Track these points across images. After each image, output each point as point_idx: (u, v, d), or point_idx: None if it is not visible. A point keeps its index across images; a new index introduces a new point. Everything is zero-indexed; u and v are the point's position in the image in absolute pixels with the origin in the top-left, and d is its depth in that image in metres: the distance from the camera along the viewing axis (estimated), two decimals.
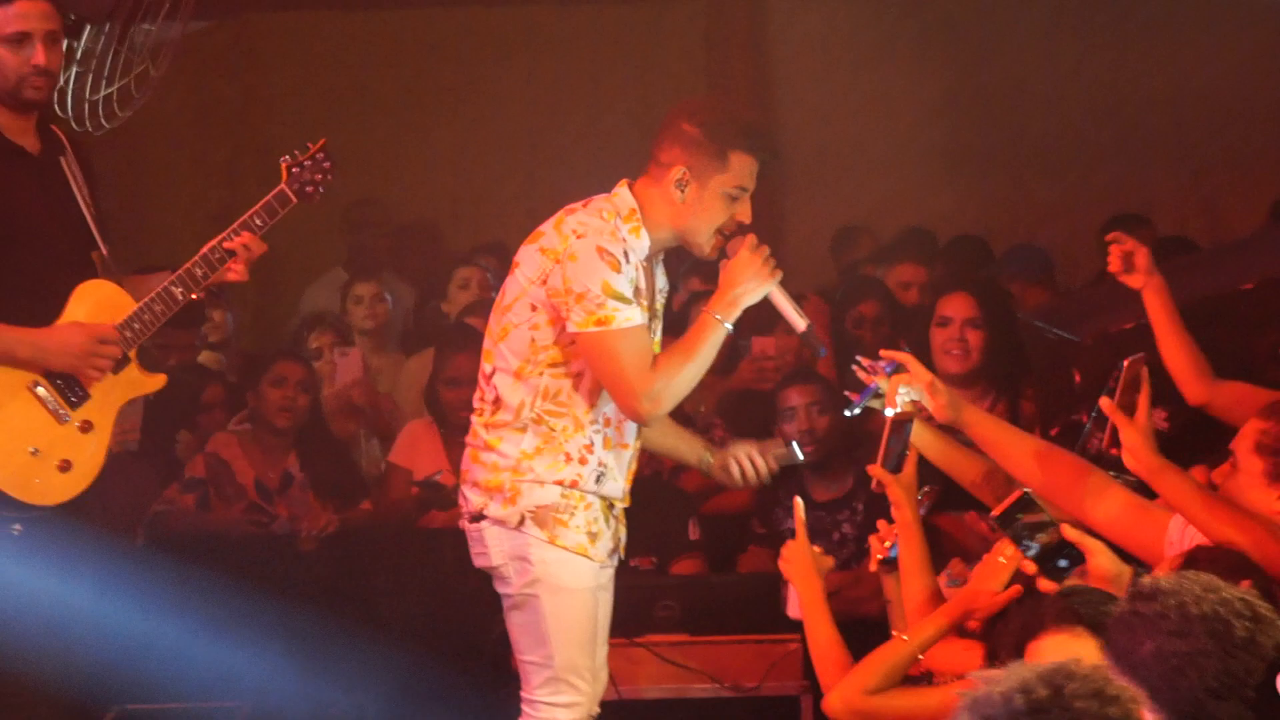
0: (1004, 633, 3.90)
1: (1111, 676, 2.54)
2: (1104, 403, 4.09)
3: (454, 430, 7.10)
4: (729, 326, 4.70)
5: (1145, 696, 2.73)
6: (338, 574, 6.72)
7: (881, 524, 4.79)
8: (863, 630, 5.70)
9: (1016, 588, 4.22)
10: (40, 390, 4.99)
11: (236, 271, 5.14)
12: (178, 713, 5.99)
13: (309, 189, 5.24)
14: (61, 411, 5.01)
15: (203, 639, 6.35)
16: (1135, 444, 4.09)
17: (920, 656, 4.31)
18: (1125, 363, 4.18)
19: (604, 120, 9.69)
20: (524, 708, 4.78)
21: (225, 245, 5.10)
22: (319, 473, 7.03)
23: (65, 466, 5.01)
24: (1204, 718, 2.83)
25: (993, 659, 4.18)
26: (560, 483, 4.69)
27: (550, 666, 4.71)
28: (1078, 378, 5.39)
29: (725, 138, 4.69)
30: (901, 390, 4.60)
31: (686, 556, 6.52)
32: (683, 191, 4.69)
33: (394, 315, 8.49)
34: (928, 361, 5.07)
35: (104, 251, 5.17)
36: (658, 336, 4.84)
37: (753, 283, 4.69)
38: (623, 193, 4.76)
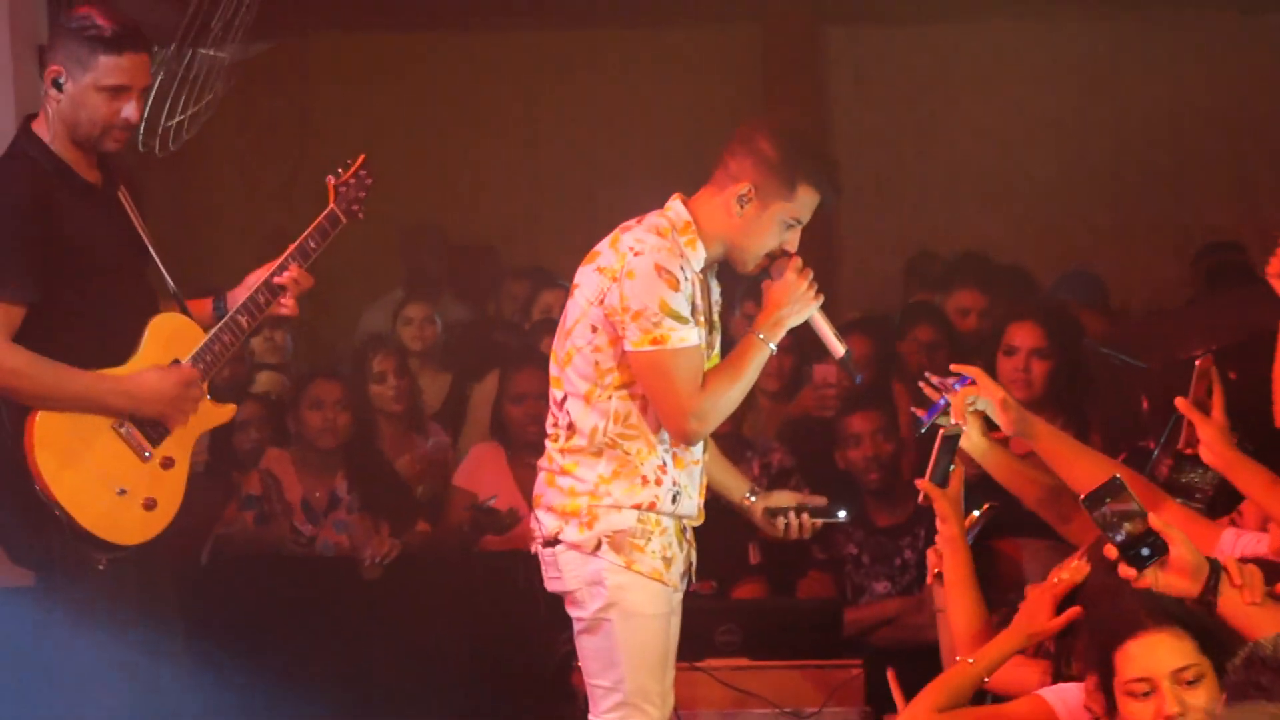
0: (1086, 639, 3.90)
1: None
2: (1180, 401, 4.16)
3: (520, 450, 7.13)
4: (773, 347, 4.73)
5: None
6: (399, 597, 6.72)
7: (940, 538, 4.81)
8: (926, 657, 5.71)
9: (1076, 608, 4.22)
10: (124, 430, 4.99)
11: (287, 306, 5.17)
12: None
13: (354, 207, 5.27)
14: (144, 450, 5.02)
15: (263, 657, 6.40)
16: (1212, 438, 4.18)
17: (987, 679, 4.30)
18: (1197, 362, 4.25)
19: (660, 143, 9.70)
20: None
21: (275, 281, 5.11)
22: (369, 494, 7.03)
23: (150, 505, 5.02)
24: None
25: (1064, 669, 4.19)
26: (638, 506, 4.68)
27: (620, 691, 4.70)
28: (1145, 404, 5.37)
29: (799, 168, 4.69)
30: (970, 401, 4.63)
31: (747, 580, 6.52)
32: (742, 208, 4.70)
33: (443, 337, 8.52)
34: None
35: (171, 283, 5.18)
36: (716, 349, 4.84)
37: (797, 305, 4.72)
38: (676, 206, 4.76)
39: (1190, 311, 6.70)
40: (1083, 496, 3.78)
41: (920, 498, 4.72)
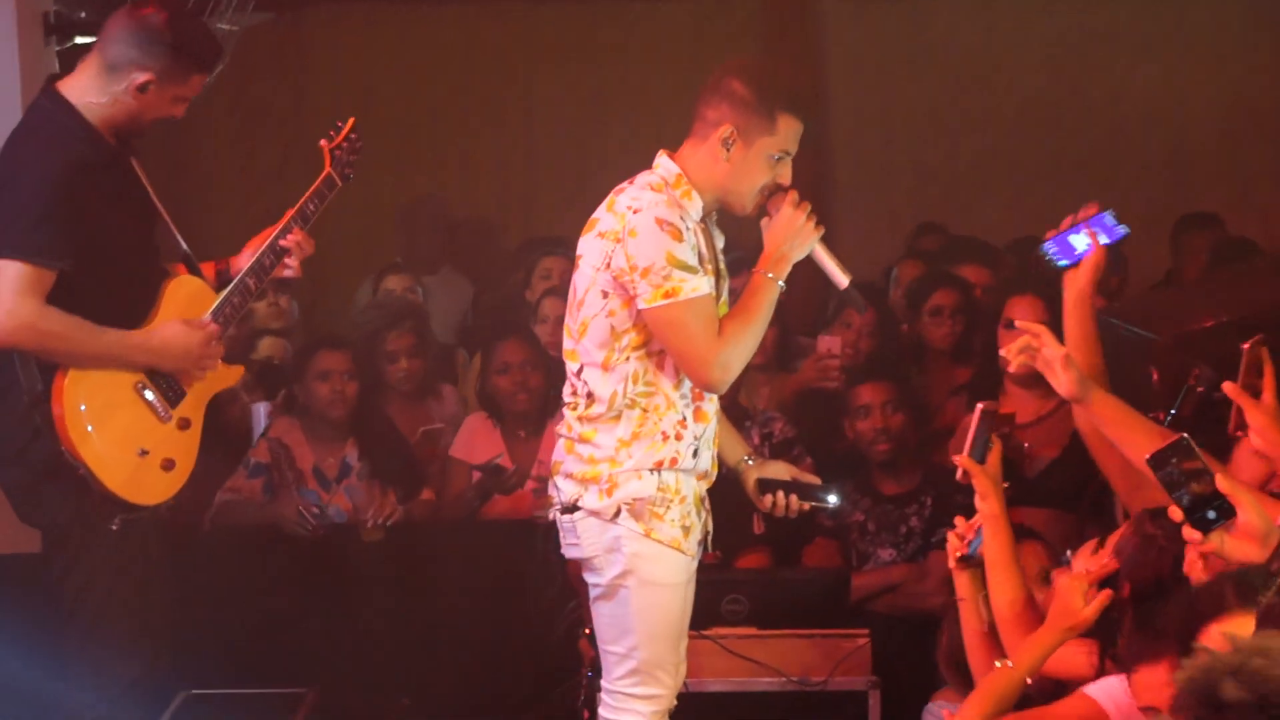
0: (1166, 619, 3.85)
1: None
2: (1228, 386, 4.08)
3: (510, 421, 7.14)
4: (782, 284, 4.74)
5: None
6: (401, 565, 6.73)
7: (960, 520, 4.78)
8: (926, 624, 5.74)
9: (1108, 591, 4.22)
10: (145, 391, 5.06)
11: (292, 268, 5.29)
12: (244, 698, 5.99)
13: (348, 170, 5.39)
14: (164, 411, 5.09)
15: (269, 625, 6.41)
16: (1262, 424, 4.09)
17: (1029, 680, 4.28)
18: (1245, 345, 4.17)
19: (655, 121, 9.69)
20: (604, 697, 4.78)
21: (280, 244, 5.22)
22: (379, 462, 7.03)
23: (168, 465, 5.09)
24: None
25: (1110, 647, 4.17)
26: (659, 465, 4.68)
27: (634, 658, 4.71)
28: (1155, 376, 5.38)
29: (775, 100, 4.70)
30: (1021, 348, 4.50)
31: (751, 551, 6.53)
32: (728, 150, 4.70)
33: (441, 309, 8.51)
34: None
35: (184, 245, 5.25)
36: (725, 297, 4.84)
37: (797, 239, 4.72)
38: (664, 161, 4.77)
39: (1198, 284, 6.73)
40: (1148, 455, 3.71)
41: (959, 474, 4.70)
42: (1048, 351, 4.49)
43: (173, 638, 5.32)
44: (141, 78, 5.01)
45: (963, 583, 4.80)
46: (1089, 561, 4.39)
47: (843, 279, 4.81)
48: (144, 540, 5.14)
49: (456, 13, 10.23)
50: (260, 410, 6.77)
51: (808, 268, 4.80)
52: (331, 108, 9.88)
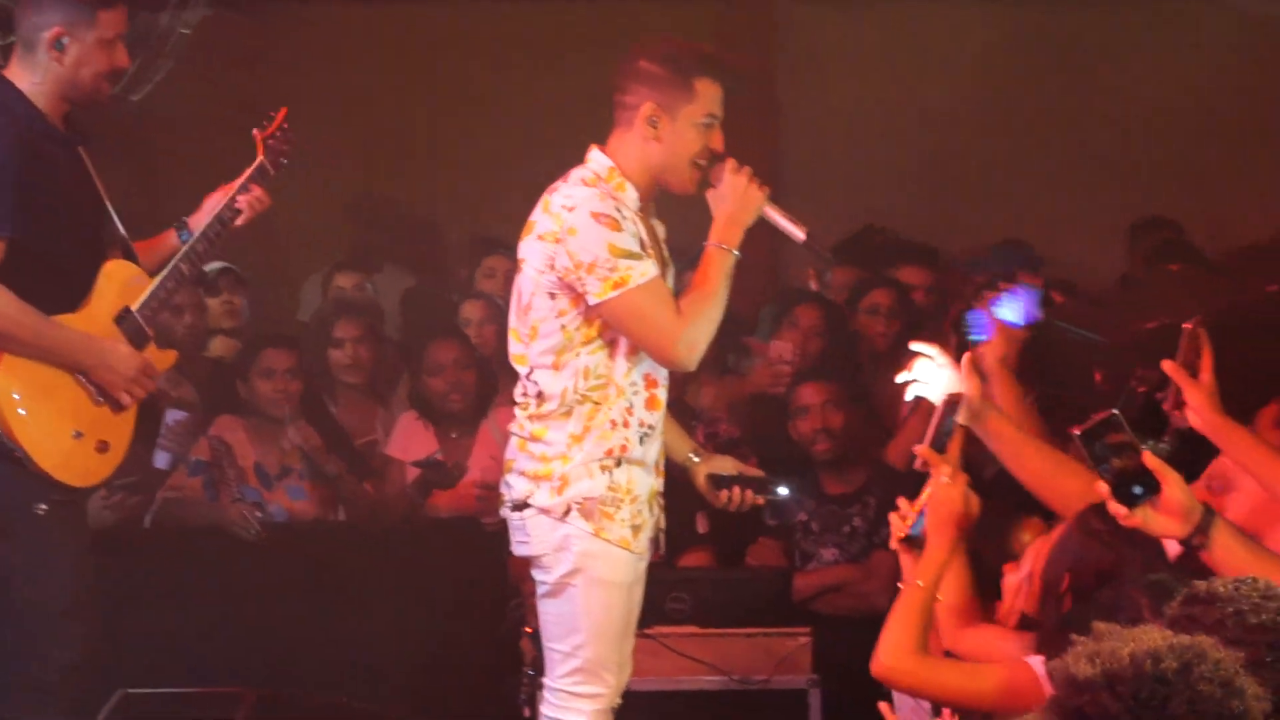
0: (1081, 621, 3.84)
1: (1241, 669, 2.47)
2: (1166, 364, 4.11)
3: (443, 421, 7.11)
4: (736, 253, 4.73)
5: None
6: (341, 565, 6.68)
7: (902, 501, 4.73)
8: (870, 624, 5.71)
9: (963, 476, 4.22)
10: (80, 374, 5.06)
11: (240, 222, 5.33)
12: (183, 697, 5.95)
13: (281, 158, 5.43)
14: (98, 393, 5.09)
15: (208, 624, 6.35)
16: (1200, 403, 4.10)
17: (940, 597, 4.24)
18: (1186, 326, 4.19)
19: (606, 119, 9.67)
20: (546, 695, 4.77)
21: (236, 204, 5.27)
22: (319, 458, 6.98)
23: (103, 447, 5.10)
24: None
25: (1047, 641, 4.15)
26: (610, 453, 4.68)
27: (579, 657, 4.70)
28: (1099, 377, 5.39)
29: (688, 67, 4.72)
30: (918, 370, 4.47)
31: (695, 549, 6.52)
32: (655, 128, 4.70)
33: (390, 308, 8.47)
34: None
35: (123, 232, 5.27)
36: (671, 284, 4.83)
37: (745, 203, 4.72)
38: (595, 155, 4.77)
39: (1143, 287, 6.75)
40: (1078, 430, 3.72)
41: (918, 463, 4.69)
42: (946, 369, 4.46)
43: (109, 633, 5.29)
44: (50, 34, 5.00)
45: (906, 563, 4.77)
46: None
47: (799, 233, 4.81)
48: (75, 525, 5.14)
49: (410, 10, 10.19)
50: (168, 416, 6.70)
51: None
52: (291, 98, 9.84)
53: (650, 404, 4.76)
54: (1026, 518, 5.12)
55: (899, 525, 4.66)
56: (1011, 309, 4.79)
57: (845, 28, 10.17)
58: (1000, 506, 5.06)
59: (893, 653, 4.15)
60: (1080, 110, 10.09)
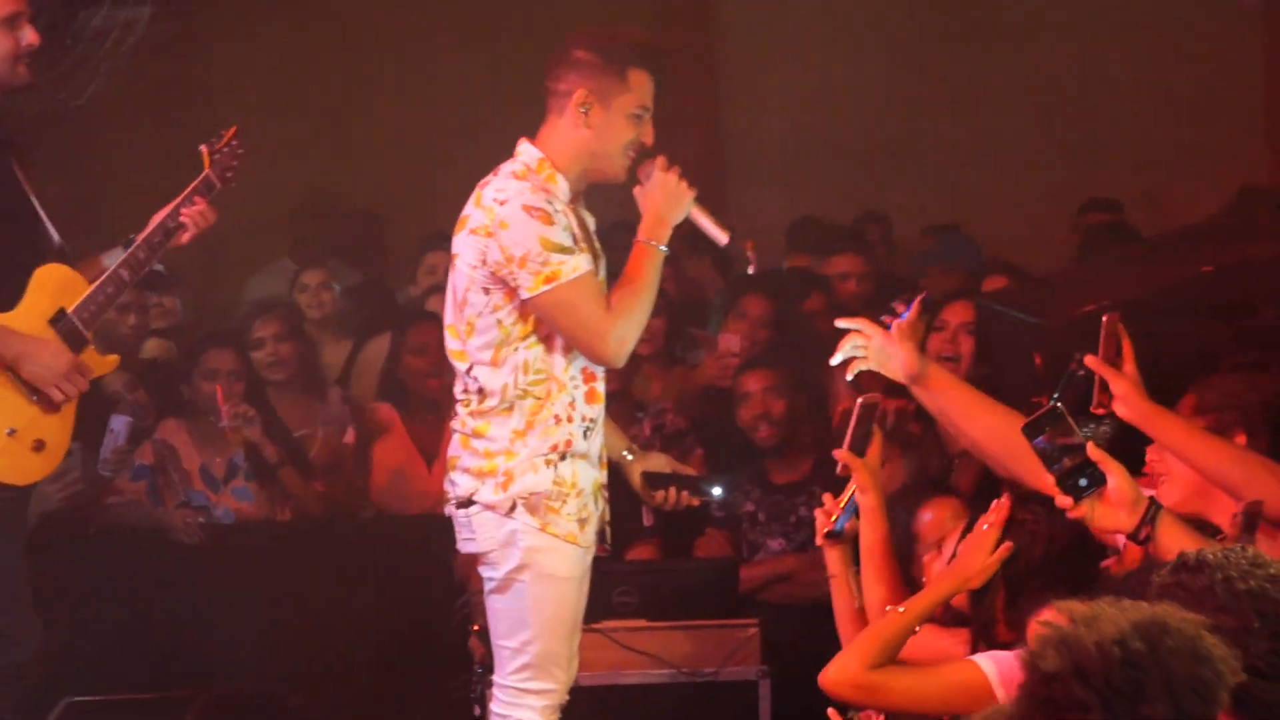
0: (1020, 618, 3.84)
1: (1204, 632, 2.47)
2: (1090, 359, 4.12)
3: (417, 408, 7.08)
4: (664, 249, 4.74)
5: None
6: (289, 564, 6.66)
7: (827, 497, 4.74)
8: (818, 613, 5.72)
9: (1007, 545, 4.15)
10: (11, 371, 5.02)
11: (186, 238, 5.29)
12: (128, 704, 5.92)
13: (228, 174, 5.39)
14: (32, 392, 5.04)
15: (157, 628, 6.32)
16: (1127, 391, 4.12)
17: (917, 629, 4.25)
18: (1104, 319, 4.21)
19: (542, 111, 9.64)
20: (496, 692, 4.76)
21: (181, 216, 5.22)
22: (264, 461, 6.94)
23: (39, 446, 5.06)
24: (1249, 700, 2.68)
25: (984, 636, 4.15)
26: (555, 448, 4.67)
27: (528, 653, 4.69)
28: (1039, 361, 5.40)
29: (622, 57, 4.72)
30: (850, 347, 4.46)
31: (641, 542, 6.50)
32: (587, 114, 4.69)
33: (341, 303, 8.43)
34: None
35: (55, 236, 5.21)
36: (602, 275, 4.83)
37: (673, 201, 4.73)
38: (525, 148, 4.76)
39: (1081, 270, 6.77)
40: (1022, 425, 3.72)
41: (839, 468, 4.68)
42: (877, 340, 4.45)
43: (53, 639, 5.25)
44: None
45: (833, 559, 4.79)
46: (988, 516, 4.32)
47: (722, 236, 4.83)
48: (16, 523, 5.10)
49: (347, 1, 10.15)
50: (117, 422, 6.65)
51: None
52: (225, 93, 9.79)
53: (590, 397, 4.75)
54: (941, 497, 5.12)
55: (823, 520, 4.67)
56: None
57: (782, 8, 10.16)
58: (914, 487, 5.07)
59: (844, 668, 4.11)
60: (1024, 90, 10.12)
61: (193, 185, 5.32)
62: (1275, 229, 6.37)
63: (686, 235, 5.10)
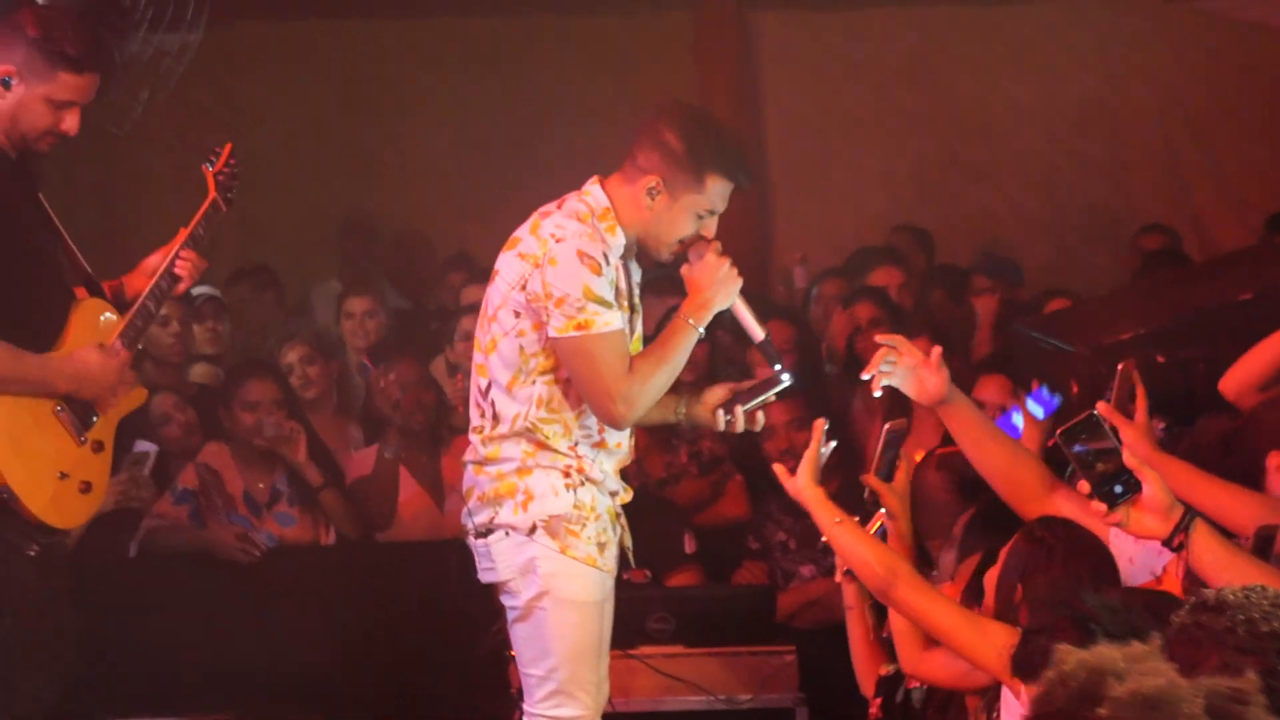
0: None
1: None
2: (1101, 405, 4.11)
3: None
4: (701, 330, 4.70)
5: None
6: (323, 586, 6.67)
7: None
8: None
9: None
10: (62, 413, 5.00)
11: (181, 289, 5.32)
12: None
13: (229, 195, 5.39)
14: (79, 434, 5.03)
15: (188, 651, 6.34)
16: (1135, 440, 4.25)
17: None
18: (1120, 367, 4.31)
19: (590, 132, 9.65)
20: None
21: (174, 271, 5.19)
22: (305, 486, 6.97)
23: (86, 488, 5.04)
24: None
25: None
26: (568, 470, 4.64)
27: (554, 680, 4.67)
28: (1075, 388, 5.40)
29: (705, 160, 4.67)
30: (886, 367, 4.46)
31: (682, 569, 6.50)
32: (652, 199, 4.67)
33: (389, 330, 8.32)
34: None
35: (87, 269, 5.19)
36: (639, 332, 4.81)
37: (720, 287, 4.69)
38: (595, 190, 4.73)
39: (1118, 297, 6.74)
40: (1059, 431, 3.76)
41: (866, 494, 4.68)
42: (909, 360, 4.48)
43: (85, 666, 5.27)
44: (1, 71, 4.90)
45: (850, 592, 4.84)
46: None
47: (759, 332, 4.79)
48: (58, 566, 5.09)
49: (389, 26, 10.17)
50: (144, 445, 6.67)
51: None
52: (264, 118, 9.83)
53: (598, 446, 4.73)
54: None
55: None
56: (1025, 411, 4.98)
57: (816, 33, 10.16)
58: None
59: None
60: (1061, 112, 10.09)
61: (202, 209, 5.30)
62: None
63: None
